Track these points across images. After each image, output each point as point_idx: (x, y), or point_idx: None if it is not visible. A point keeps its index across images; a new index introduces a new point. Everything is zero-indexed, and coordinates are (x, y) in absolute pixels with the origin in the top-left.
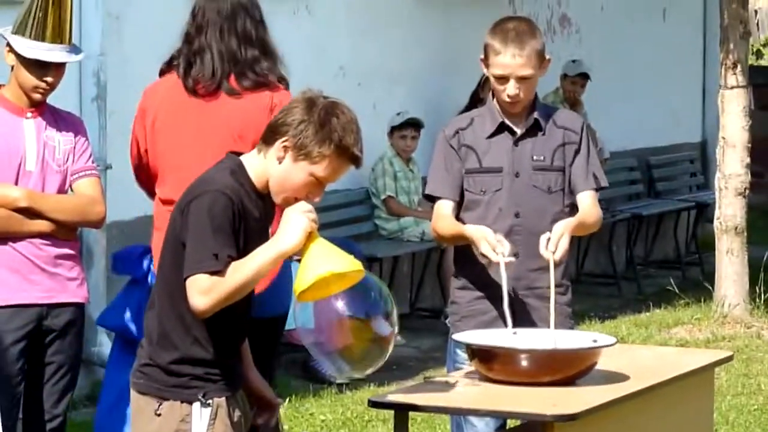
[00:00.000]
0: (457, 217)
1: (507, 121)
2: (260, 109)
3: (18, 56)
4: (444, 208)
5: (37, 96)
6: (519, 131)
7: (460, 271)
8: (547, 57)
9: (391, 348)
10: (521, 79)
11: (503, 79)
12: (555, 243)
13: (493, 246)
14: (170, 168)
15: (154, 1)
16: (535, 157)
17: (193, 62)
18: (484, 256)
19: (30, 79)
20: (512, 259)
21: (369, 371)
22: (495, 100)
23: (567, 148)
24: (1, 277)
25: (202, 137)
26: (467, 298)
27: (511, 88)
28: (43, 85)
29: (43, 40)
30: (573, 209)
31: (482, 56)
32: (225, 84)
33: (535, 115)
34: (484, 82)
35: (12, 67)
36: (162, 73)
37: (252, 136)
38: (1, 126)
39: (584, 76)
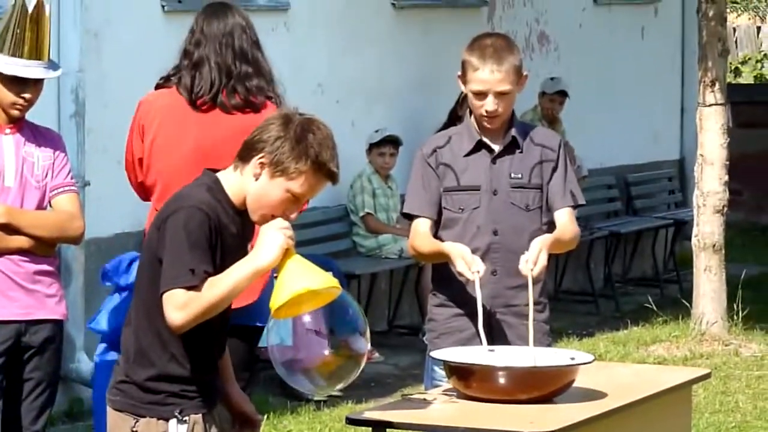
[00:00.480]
0: (435, 235)
1: (485, 139)
2: (255, 125)
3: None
4: (422, 226)
5: (15, 113)
6: (497, 149)
7: (438, 288)
8: (525, 73)
9: (362, 365)
10: (499, 95)
11: (481, 95)
12: (533, 260)
13: (469, 264)
14: (168, 183)
15: (132, 19)
16: (513, 175)
17: (194, 75)
18: (460, 274)
19: (8, 96)
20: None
21: (340, 386)
22: (472, 117)
23: (545, 166)
24: None
25: (201, 152)
26: (445, 315)
27: (489, 104)
28: (21, 101)
29: (20, 56)
30: (551, 227)
31: (459, 73)
32: (219, 98)
33: (513, 132)
34: (462, 100)
35: None
36: (158, 86)
37: None
38: None
39: (563, 94)
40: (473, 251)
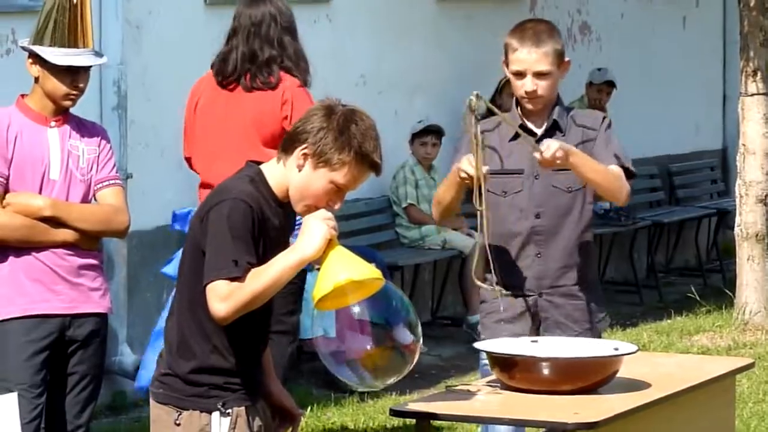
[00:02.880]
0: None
1: (528, 123)
2: (272, 102)
3: (45, 65)
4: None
5: (68, 103)
6: (539, 132)
7: (488, 272)
8: (567, 59)
9: (415, 358)
10: (538, 75)
11: (520, 75)
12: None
13: (470, 162)
14: (202, 153)
15: (174, 12)
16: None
17: (223, 59)
18: (464, 173)
19: (61, 87)
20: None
21: (391, 381)
22: (516, 103)
23: (587, 146)
24: (23, 287)
25: (226, 125)
26: (494, 295)
27: (528, 84)
28: (76, 91)
29: (69, 45)
30: (589, 215)
31: (503, 58)
32: (243, 80)
33: (554, 116)
34: (501, 89)
35: (36, 78)
36: (212, 66)
37: (266, 126)
38: (25, 135)
39: (610, 84)
40: (516, 235)
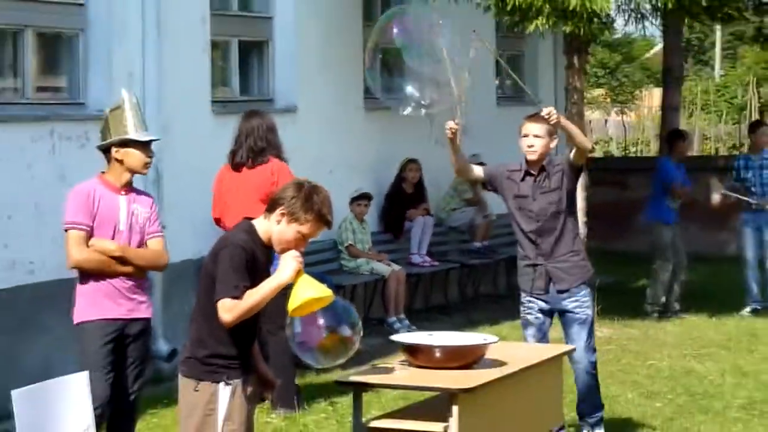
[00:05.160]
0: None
1: (529, 170)
2: (266, 174)
3: (129, 146)
4: (479, 168)
5: (146, 171)
6: (535, 174)
7: (518, 252)
8: (555, 137)
9: (355, 347)
10: (534, 137)
11: (525, 137)
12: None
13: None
14: (227, 215)
15: (190, 119)
16: (544, 185)
17: (234, 153)
18: (451, 128)
19: (142, 158)
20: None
21: (339, 362)
22: (523, 158)
23: (557, 176)
24: (99, 300)
25: (238, 195)
26: (521, 264)
27: (528, 140)
28: (150, 160)
29: (144, 129)
30: (568, 209)
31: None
32: (248, 163)
33: (543, 164)
34: (403, 167)
35: (118, 160)
36: (228, 158)
37: (262, 189)
38: (105, 199)
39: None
40: (530, 231)
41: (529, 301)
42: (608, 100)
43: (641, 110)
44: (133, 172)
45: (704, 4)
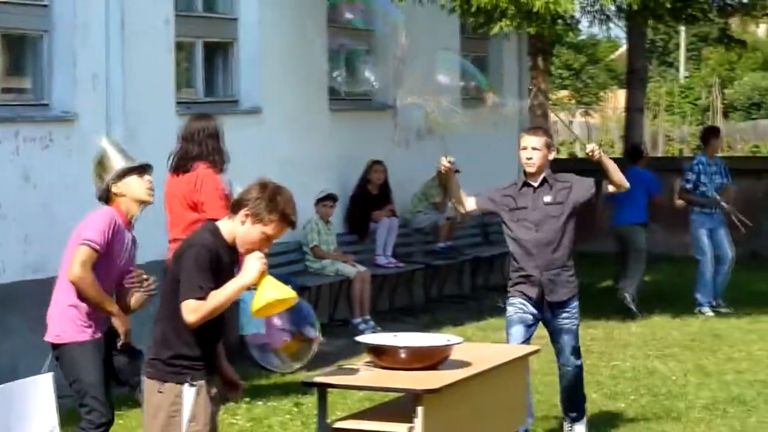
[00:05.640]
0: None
1: (529, 180)
2: (191, 182)
3: (127, 174)
4: (473, 200)
5: (151, 197)
6: (535, 185)
7: (511, 265)
8: (552, 148)
9: (315, 348)
10: (533, 150)
11: (524, 149)
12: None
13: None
14: (168, 220)
15: (157, 121)
16: (544, 199)
17: (170, 157)
18: (443, 165)
19: (142, 184)
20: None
21: (302, 364)
22: (523, 171)
23: (562, 191)
24: (92, 319)
25: (173, 201)
26: (514, 276)
27: (527, 153)
28: (151, 184)
29: (130, 160)
30: (568, 221)
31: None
32: (179, 170)
33: (544, 176)
34: (369, 169)
35: (120, 195)
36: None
37: (189, 199)
38: (120, 234)
39: (456, 171)
40: (527, 240)
41: (521, 303)
42: (573, 101)
43: (606, 111)
44: (138, 201)
45: (668, 5)
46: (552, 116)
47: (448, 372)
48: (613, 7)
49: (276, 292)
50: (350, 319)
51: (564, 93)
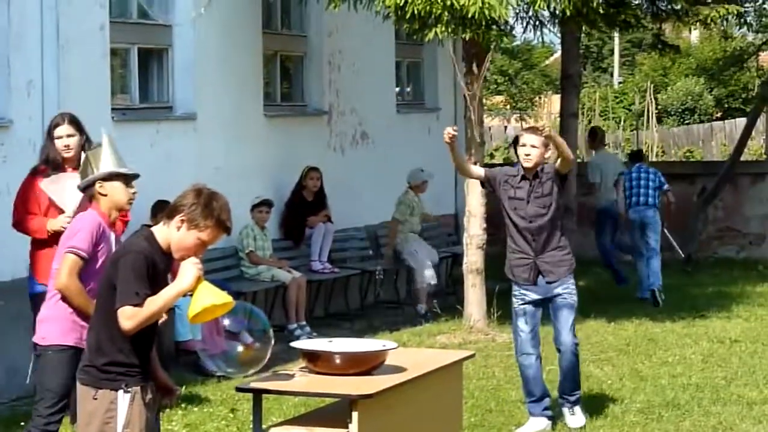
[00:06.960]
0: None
1: (526, 174)
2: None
3: (116, 178)
4: (480, 168)
5: (129, 206)
6: (531, 179)
7: (508, 247)
8: (549, 147)
9: (264, 355)
10: (531, 147)
11: (523, 146)
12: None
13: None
14: None
15: (95, 130)
16: (536, 191)
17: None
18: (448, 134)
19: (126, 192)
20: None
21: (253, 370)
22: (520, 164)
23: (549, 182)
24: (78, 325)
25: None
26: (512, 257)
27: (526, 149)
28: (133, 194)
29: (123, 165)
30: (557, 212)
31: (516, 143)
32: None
33: (538, 171)
34: (304, 175)
35: (102, 195)
36: None
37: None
38: (105, 237)
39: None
40: (523, 228)
41: (522, 293)
42: (508, 106)
43: (540, 116)
44: (118, 208)
45: (602, 11)
46: (486, 123)
47: (384, 377)
48: (546, 13)
49: (212, 298)
50: (286, 324)
51: (499, 98)
